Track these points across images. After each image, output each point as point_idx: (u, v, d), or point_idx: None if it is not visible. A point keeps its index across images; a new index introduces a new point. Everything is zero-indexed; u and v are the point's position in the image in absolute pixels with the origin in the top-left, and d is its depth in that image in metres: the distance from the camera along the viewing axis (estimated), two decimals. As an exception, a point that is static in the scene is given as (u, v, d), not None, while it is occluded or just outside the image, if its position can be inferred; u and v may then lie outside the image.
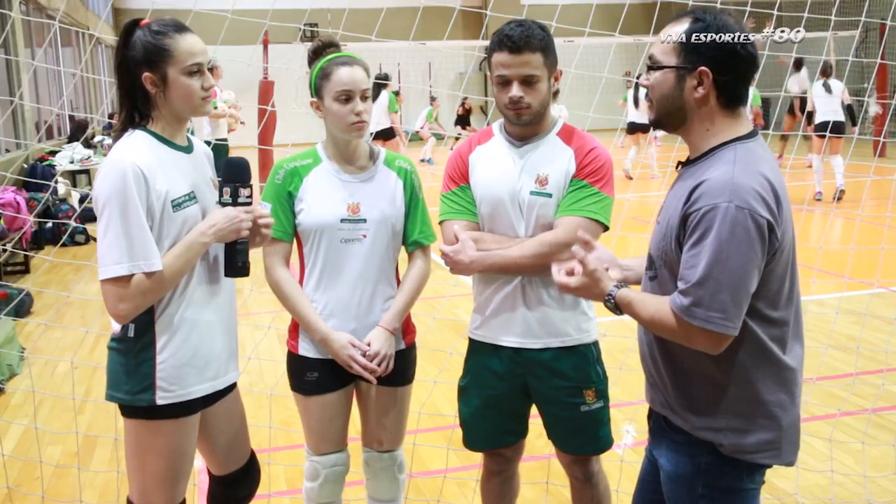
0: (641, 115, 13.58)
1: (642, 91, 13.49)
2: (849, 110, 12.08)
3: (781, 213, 1.84)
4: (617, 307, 1.98)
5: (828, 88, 11.32)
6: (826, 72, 11.57)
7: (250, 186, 2.42)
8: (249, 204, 2.39)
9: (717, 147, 1.91)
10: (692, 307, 1.81)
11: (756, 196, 1.79)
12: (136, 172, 2.19)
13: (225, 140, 9.93)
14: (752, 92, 11.85)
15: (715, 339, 1.82)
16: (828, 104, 11.26)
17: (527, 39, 2.41)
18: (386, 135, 11.95)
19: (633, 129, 13.85)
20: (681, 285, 1.84)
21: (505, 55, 2.43)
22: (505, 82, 2.45)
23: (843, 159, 11.02)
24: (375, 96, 12.18)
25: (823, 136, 10.59)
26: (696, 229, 1.81)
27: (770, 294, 1.88)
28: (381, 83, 12.26)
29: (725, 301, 1.79)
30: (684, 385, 1.97)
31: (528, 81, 2.44)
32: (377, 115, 12.11)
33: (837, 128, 10.82)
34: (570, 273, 2.05)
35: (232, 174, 2.40)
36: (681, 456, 2.00)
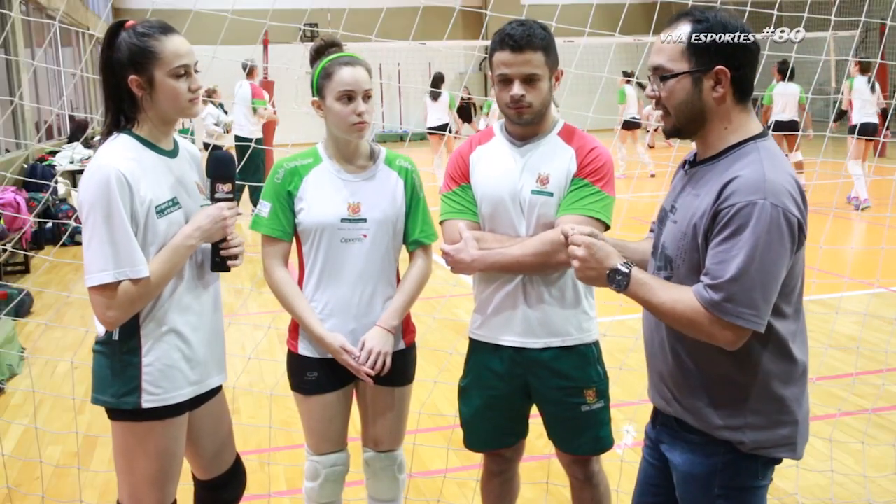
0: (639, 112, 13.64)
1: (632, 88, 13.51)
2: (884, 113, 11.46)
3: (806, 210, 1.85)
4: (626, 285, 1.91)
5: (874, 87, 10.67)
6: (869, 68, 10.85)
7: (231, 182, 2.40)
8: (231, 199, 2.37)
9: (736, 145, 1.91)
10: (724, 303, 1.79)
11: (787, 195, 1.80)
12: (120, 179, 2.17)
13: (260, 140, 9.88)
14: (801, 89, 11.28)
15: (740, 334, 1.82)
16: (869, 105, 10.60)
17: (528, 38, 2.41)
18: (440, 130, 12.40)
19: (630, 125, 13.60)
20: (707, 280, 1.82)
21: (507, 54, 2.43)
22: (506, 81, 2.46)
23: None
24: (437, 96, 12.93)
25: (862, 140, 10.03)
26: (729, 225, 1.80)
27: (787, 290, 1.88)
28: (436, 91, 12.97)
29: (757, 298, 1.79)
30: (700, 385, 1.95)
31: (529, 80, 2.44)
32: (438, 113, 12.99)
33: (874, 130, 10.33)
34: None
35: (212, 169, 2.39)
36: (696, 456, 1.98)
